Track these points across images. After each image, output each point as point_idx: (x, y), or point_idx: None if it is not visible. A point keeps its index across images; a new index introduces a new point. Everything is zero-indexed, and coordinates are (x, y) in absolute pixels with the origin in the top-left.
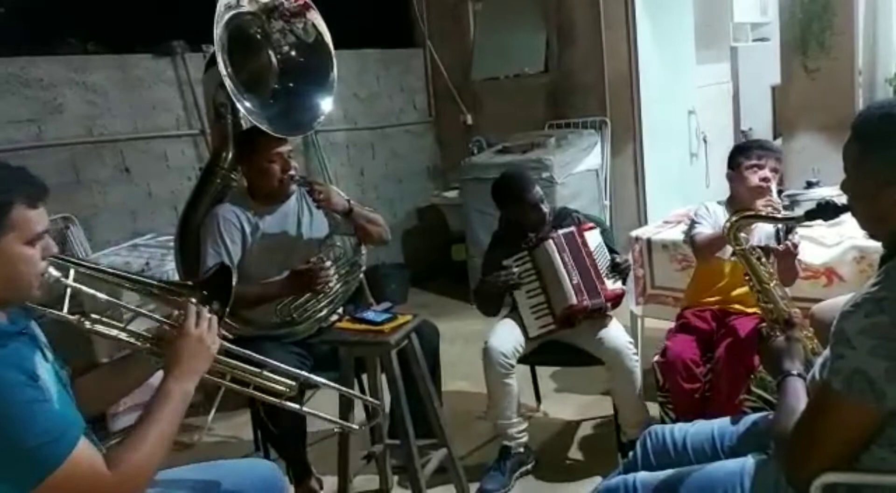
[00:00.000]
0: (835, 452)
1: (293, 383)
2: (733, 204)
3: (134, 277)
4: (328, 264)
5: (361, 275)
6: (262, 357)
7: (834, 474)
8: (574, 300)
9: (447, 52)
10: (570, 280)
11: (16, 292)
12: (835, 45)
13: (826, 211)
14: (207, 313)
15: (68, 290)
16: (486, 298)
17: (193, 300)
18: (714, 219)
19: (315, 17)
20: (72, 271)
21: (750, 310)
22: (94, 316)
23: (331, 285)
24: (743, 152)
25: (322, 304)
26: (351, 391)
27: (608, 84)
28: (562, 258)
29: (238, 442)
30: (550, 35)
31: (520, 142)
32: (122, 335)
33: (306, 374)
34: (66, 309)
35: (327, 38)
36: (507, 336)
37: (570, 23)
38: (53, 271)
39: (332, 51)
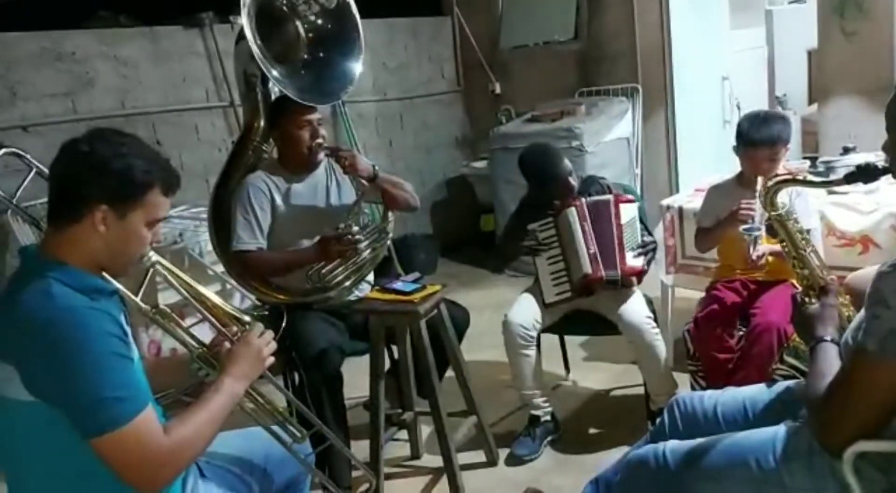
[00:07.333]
0: (867, 415)
1: (304, 430)
2: (743, 179)
3: (209, 299)
4: (356, 229)
5: (389, 242)
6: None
7: (867, 442)
8: (589, 269)
9: (475, 21)
10: (588, 249)
11: (117, 264)
12: (873, 7)
13: (866, 173)
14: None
15: (148, 275)
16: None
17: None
18: (722, 202)
19: None
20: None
21: (781, 279)
22: (163, 309)
23: (360, 250)
24: (740, 139)
25: (350, 270)
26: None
27: (640, 50)
28: (582, 226)
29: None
30: (580, 1)
31: (549, 110)
32: (185, 336)
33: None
34: (140, 296)
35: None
36: (525, 309)
37: None
38: (153, 256)
39: (356, 13)
